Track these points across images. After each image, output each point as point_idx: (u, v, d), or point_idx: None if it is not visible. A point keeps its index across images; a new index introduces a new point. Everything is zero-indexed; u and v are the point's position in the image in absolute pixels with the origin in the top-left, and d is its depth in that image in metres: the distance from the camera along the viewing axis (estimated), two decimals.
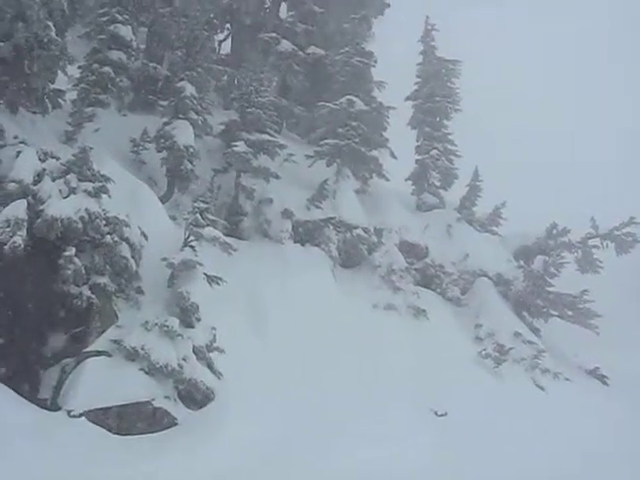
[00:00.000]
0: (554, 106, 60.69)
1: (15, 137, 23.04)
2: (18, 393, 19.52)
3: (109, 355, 20.98)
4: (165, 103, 29.29)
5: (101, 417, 19.90)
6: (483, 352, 31.93)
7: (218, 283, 23.47)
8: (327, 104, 34.79)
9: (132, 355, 20.94)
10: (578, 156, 55.97)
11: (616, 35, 67.68)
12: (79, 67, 27.35)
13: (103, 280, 21.33)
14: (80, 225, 20.75)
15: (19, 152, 21.87)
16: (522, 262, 37.79)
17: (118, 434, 19.88)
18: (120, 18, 27.62)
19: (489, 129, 54.39)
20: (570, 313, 36.88)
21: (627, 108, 60.36)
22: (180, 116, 28.52)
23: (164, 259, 22.92)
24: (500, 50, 64.65)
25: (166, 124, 28.62)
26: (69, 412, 19.72)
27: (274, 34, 37.46)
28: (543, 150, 55.67)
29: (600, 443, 23.81)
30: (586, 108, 61.52)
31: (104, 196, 21.74)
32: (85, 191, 21.34)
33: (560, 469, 21.59)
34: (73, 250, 20.65)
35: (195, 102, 28.73)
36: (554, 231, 38.44)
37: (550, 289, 36.46)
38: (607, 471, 21.28)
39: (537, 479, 20.88)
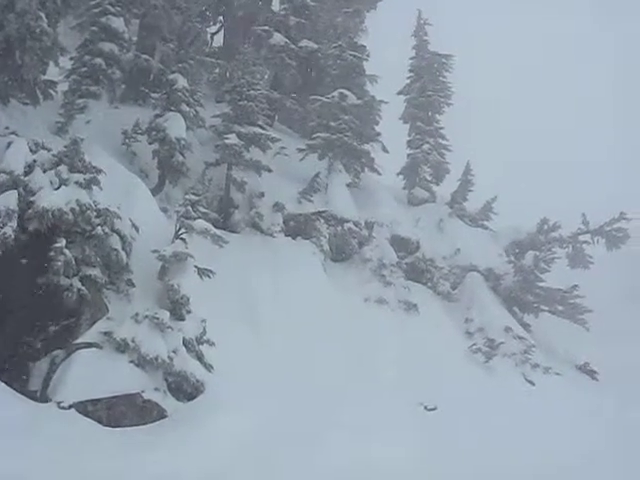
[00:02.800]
0: (548, 102, 60.89)
1: (6, 128, 22.96)
2: (7, 385, 19.45)
3: (99, 347, 20.90)
4: (157, 95, 29.18)
5: (90, 409, 19.80)
6: (473, 347, 32.07)
7: (209, 276, 23.43)
8: (319, 97, 34.83)
9: (122, 347, 20.88)
10: (570, 151, 56.21)
11: (610, 32, 67.82)
12: (71, 58, 27.26)
13: (93, 272, 21.22)
14: (71, 216, 20.65)
15: (10, 143, 21.73)
16: (513, 257, 37.91)
17: (108, 426, 19.81)
18: (112, 10, 27.46)
19: (482, 124, 54.51)
20: (561, 308, 37.10)
21: (622, 105, 60.60)
22: (172, 108, 28.43)
23: (155, 251, 22.85)
24: (496, 45, 64.85)
25: (158, 116, 28.55)
26: (58, 404, 19.63)
27: (267, 27, 37.38)
28: (536, 145, 55.95)
29: (590, 438, 23.79)
30: (581, 104, 61.78)
31: (95, 188, 21.63)
32: (76, 182, 21.22)
33: (550, 463, 21.57)
34: (63, 241, 20.54)
35: (187, 94, 28.65)
36: (545, 226, 38.60)
37: (541, 284, 36.65)
38: (597, 466, 21.29)
39: (527, 473, 20.84)
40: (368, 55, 36.34)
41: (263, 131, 31.14)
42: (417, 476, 19.78)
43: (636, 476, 20.95)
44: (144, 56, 31.73)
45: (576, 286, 36.84)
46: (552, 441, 23.46)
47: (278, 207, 31.67)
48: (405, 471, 19.87)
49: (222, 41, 41.20)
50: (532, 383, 31.99)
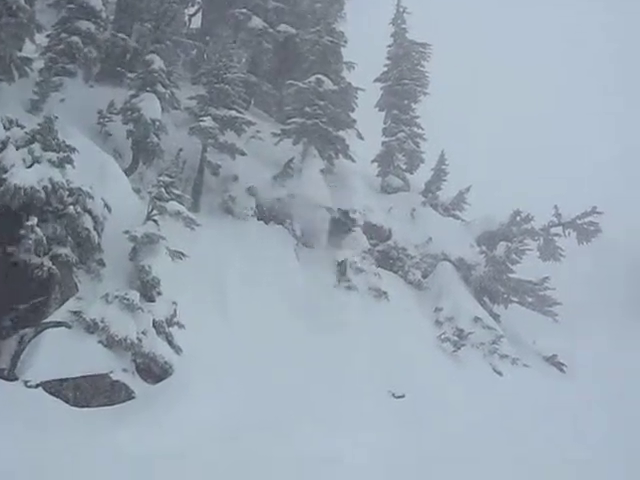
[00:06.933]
0: (524, 93, 60.85)
1: None
2: None
3: (68, 326, 20.87)
4: (133, 75, 29.01)
5: (58, 388, 19.81)
6: (442, 336, 32.14)
7: (180, 258, 23.44)
8: (296, 83, 34.69)
9: (91, 327, 20.87)
10: (546, 144, 56.30)
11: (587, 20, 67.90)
12: (47, 36, 27.13)
13: (64, 251, 21.15)
14: (43, 195, 20.58)
15: None
16: (485, 247, 37.96)
17: (75, 406, 19.83)
18: None
19: (457, 114, 54.48)
20: (530, 300, 37.27)
21: (598, 96, 60.72)
22: (147, 89, 28.29)
23: (126, 232, 22.81)
24: (472, 35, 64.75)
25: (133, 96, 28.39)
26: (26, 382, 19.60)
27: (245, 10, 37.17)
28: (511, 137, 55.89)
29: (556, 427, 24.08)
30: (557, 95, 61.87)
31: (68, 166, 21.56)
32: (49, 161, 21.15)
33: (517, 453, 21.79)
34: (35, 220, 20.48)
35: (163, 75, 28.54)
36: (517, 218, 38.74)
37: (511, 275, 36.75)
38: (563, 455, 21.50)
39: (495, 461, 21.03)
40: (346, 41, 36.19)
41: (239, 114, 31.07)
42: (381, 463, 19.91)
43: (602, 469, 21.09)
44: (121, 35, 31.51)
45: (546, 278, 37.00)
46: (519, 431, 23.66)
47: (251, 191, 31.64)
48: (374, 458, 20.02)
49: (200, 23, 40.95)
50: (500, 373, 32.14)
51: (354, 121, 35.54)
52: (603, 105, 59.89)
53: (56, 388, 19.82)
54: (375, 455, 20.30)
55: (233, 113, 30.76)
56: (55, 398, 19.64)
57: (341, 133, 34.85)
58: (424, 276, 35.77)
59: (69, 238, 21.40)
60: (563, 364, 35.69)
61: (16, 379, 19.78)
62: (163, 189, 23.58)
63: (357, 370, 25.94)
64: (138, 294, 21.90)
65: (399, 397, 26.43)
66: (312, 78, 34.20)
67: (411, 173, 40.27)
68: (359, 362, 26.41)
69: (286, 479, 18.11)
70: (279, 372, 23.30)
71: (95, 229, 22.03)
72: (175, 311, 23.03)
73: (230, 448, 18.85)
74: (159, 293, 22.70)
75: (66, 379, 19.99)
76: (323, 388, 23.45)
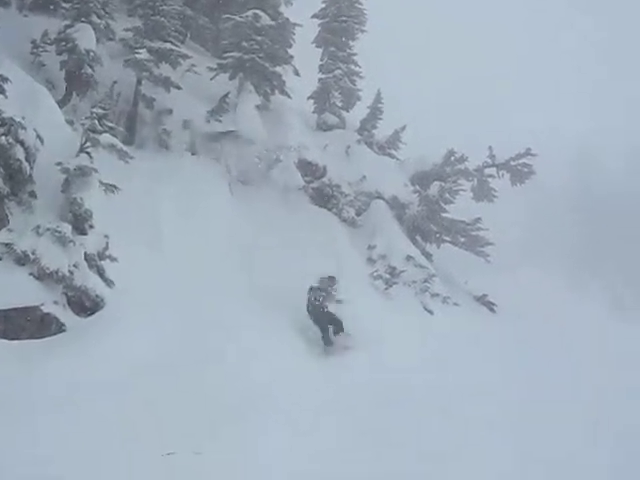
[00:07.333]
0: (465, 29, 60.97)
1: None
2: None
3: None
4: (67, 5, 28.49)
5: None
6: (375, 273, 32.43)
7: (113, 191, 23.26)
8: (233, 17, 34.28)
9: (22, 259, 20.70)
10: (483, 85, 56.60)
11: None
12: None
13: None
14: None
15: None
16: (418, 187, 38.17)
17: (4, 338, 19.69)
18: None
19: (396, 53, 54.48)
20: (463, 240, 37.67)
21: (539, 37, 61.11)
22: (82, 19, 27.84)
23: (59, 164, 22.53)
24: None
25: (68, 27, 27.93)
26: None
27: None
28: (448, 77, 56.11)
29: (484, 366, 24.43)
30: (498, 33, 62.09)
31: (0, 96, 21.28)
32: None
33: (443, 393, 22.09)
34: None
35: (98, 6, 28.08)
36: (452, 158, 38.91)
37: (444, 215, 37.07)
38: (489, 395, 21.91)
39: (421, 398, 21.38)
40: None
41: (174, 47, 30.77)
42: (312, 391, 20.21)
43: (529, 405, 21.54)
44: None
45: (479, 219, 37.40)
46: (449, 370, 23.99)
47: (186, 125, 31.49)
48: (300, 386, 20.32)
49: None
50: (431, 312, 32.57)
51: (291, 57, 35.30)
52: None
53: None
54: (305, 384, 20.62)
55: (168, 46, 30.45)
56: None
57: (278, 69, 34.61)
58: (358, 214, 35.87)
59: (0, 169, 21.15)
60: (493, 304, 36.30)
61: None
62: (96, 121, 23.31)
63: (288, 306, 26.16)
64: (70, 227, 21.73)
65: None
66: (249, 12, 33.83)
67: (347, 111, 40.22)
68: (290, 299, 26.52)
69: (221, 406, 18.27)
70: (211, 307, 23.39)
71: (27, 160, 21.74)
72: (107, 244, 22.95)
73: (162, 379, 18.98)
74: (91, 226, 22.53)
75: None
76: (255, 322, 23.63)
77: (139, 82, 30.10)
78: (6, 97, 21.42)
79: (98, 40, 28.14)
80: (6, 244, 20.87)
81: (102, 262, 22.68)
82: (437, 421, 19.26)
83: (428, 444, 17.60)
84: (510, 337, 28.25)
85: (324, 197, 35.28)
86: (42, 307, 20.59)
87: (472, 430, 18.68)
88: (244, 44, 33.49)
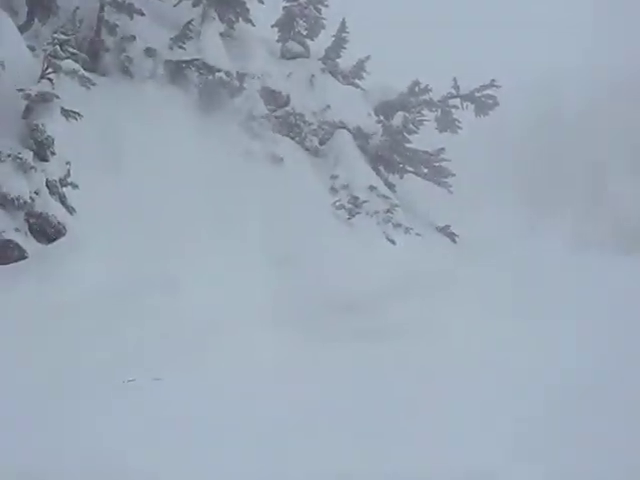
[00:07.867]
0: None
1: None
2: None
3: None
4: None
5: None
6: (337, 203, 32.71)
7: (75, 118, 23.17)
8: None
9: None
10: (451, 16, 56.25)
11: None
12: None
13: None
14: None
15: None
16: (382, 117, 38.37)
17: None
18: None
19: None
20: (425, 170, 38.02)
21: None
22: None
23: (20, 90, 22.46)
24: None
25: None
26: None
27: None
28: (416, 6, 55.66)
29: (443, 296, 24.75)
30: None
31: None
32: None
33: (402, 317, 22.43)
34: None
35: None
36: (416, 88, 39.13)
37: (408, 145, 37.33)
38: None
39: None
40: None
41: None
42: (268, 317, 20.50)
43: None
44: None
45: (442, 149, 37.72)
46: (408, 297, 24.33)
47: (149, 52, 31.28)
48: (253, 313, 20.58)
49: None
50: (393, 242, 32.99)
51: None
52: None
53: None
54: (260, 313, 20.88)
55: None
56: None
57: None
58: (321, 143, 36.12)
59: None
60: (455, 234, 36.79)
61: None
62: (58, 47, 23.12)
63: (250, 236, 26.30)
64: (32, 153, 21.70)
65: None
66: None
67: (312, 39, 40.11)
68: (252, 228, 26.66)
69: (176, 328, 18.51)
70: (172, 236, 23.55)
71: None
72: (69, 171, 22.94)
73: (123, 303, 19.20)
74: (53, 153, 22.49)
75: None
76: (215, 250, 23.82)
77: (102, 8, 29.83)
78: None
79: None
80: None
81: (64, 189, 22.67)
82: None
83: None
84: (470, 268, 28.62)
85: (287, 126, 35.36)
86: (3, 234, 20.62)
87: None
88: None
